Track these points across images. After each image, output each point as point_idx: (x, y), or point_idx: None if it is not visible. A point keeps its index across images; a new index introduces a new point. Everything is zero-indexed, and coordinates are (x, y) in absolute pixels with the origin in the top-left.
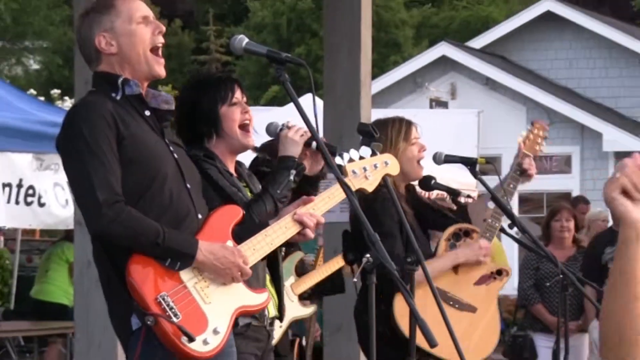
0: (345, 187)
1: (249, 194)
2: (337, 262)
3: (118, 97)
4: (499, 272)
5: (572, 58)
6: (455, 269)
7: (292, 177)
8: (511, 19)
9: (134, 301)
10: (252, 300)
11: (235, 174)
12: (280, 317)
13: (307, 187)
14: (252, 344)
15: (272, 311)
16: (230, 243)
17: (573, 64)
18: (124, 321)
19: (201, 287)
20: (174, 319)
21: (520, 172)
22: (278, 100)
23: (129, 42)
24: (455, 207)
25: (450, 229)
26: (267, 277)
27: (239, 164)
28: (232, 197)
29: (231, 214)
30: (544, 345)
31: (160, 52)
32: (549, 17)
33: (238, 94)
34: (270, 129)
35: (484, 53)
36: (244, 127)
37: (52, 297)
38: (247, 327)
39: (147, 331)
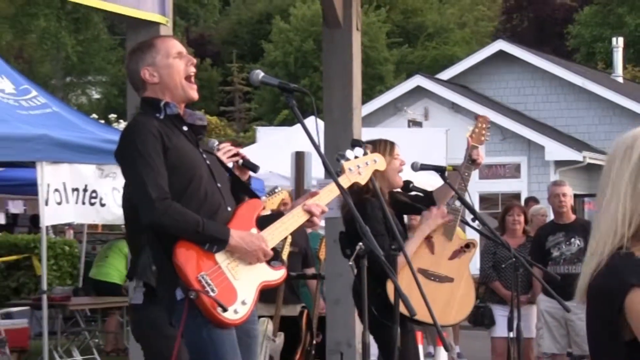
0: (341, 189)
1: None
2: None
3: (161, 117)
4: (467, 246)
5: (520, 87)
6: (432, 249)
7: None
8: (471, 56)
9: (179, 279)
10: (272, 276)
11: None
12: None
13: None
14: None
15: None
16: (254, 230)
17: (521, 92)
18: (169, 294)
19: (232, 267)
20: (211, 294)
21: (472, 161)
22: (288, 122)
23: (167, 73)
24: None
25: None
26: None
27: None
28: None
29: (255, 207)
30: (500, 314)
31: (192, 79)
32: (501, 55)
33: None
34: (208, 145)
35: (450, 83)
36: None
37: (109, 278)
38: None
39: (190, 303)
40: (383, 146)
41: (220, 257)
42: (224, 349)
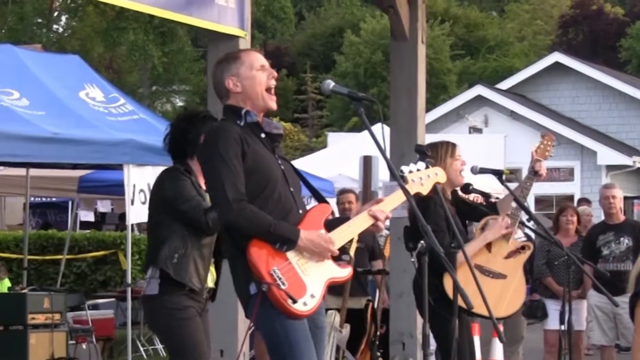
0: (406, 192)
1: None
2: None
3: (242, 124)
4: (523, 248)
5: (574, 96)
6: (489, 247)
7: None
8: (529, 67)
9: (252, 273)
10: (339, 273)
11: (204, 187)
12: (214, 292)
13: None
14: (194, 302)
15: (210, 284)
16: (322, 231)
17: (575, 100)
18: (244, 288)
19: (301, 263)
20: (282, 286)
21: (534, 173)
22: (357, 128)
23: (250, 84)
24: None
25: (483, 220)
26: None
27: None
28: (196, 200)
29: (324, 211)
30: (553, 308)
31: (272, 91)
32: (557, 66)
33: None
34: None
35: (509, 92)
36: None
37: None
38: (192, 292)
39: (263, 296)
40: (445, 148)
41: (290, 254)
42: (296, 337)
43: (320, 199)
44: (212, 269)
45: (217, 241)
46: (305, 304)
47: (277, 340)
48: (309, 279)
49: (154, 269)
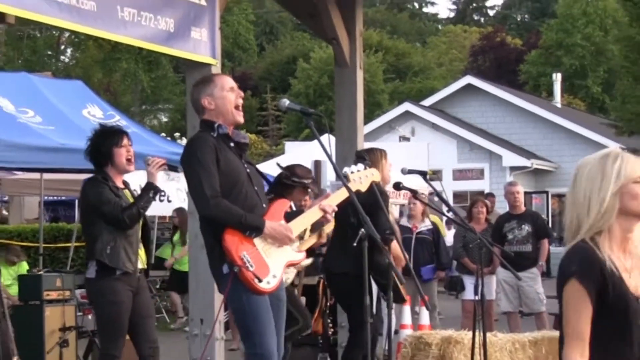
0: (348, 189)
1: (130, 199)
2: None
3: (215, 135)
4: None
5: (483, 110)
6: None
7: (151, 195)
8: (446, 88)
9: (226, 257)
10: (295, 257)
11: (122, 187)
12: (147, 270)
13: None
14: (127, 284)
15: (141, 265)
16: (282, 222)
17: (484, 114)
18: (218, 268)
19: (266, 249)
20: (250, 268)
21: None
22: (309, 138)
23: (222, 103)
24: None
25: None
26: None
27: (124, 182)
28: (114, 202)
29: (283, 205)
30: (469, 282)
31: (240, 108)
32: (469, 87)
33: (125, 140)
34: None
35: (431, 108)
36: (128, 161)
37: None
38: (123, 274)
39: (234, 276)
40: (380, 153)
41: (257, 241)
42: (259, 310)
43: (278, 195)
44: (142, 253)
45: (143, 230)
46: (269, 283)
47: (243, 313)
48: (271, 261)
49: (91, 260)
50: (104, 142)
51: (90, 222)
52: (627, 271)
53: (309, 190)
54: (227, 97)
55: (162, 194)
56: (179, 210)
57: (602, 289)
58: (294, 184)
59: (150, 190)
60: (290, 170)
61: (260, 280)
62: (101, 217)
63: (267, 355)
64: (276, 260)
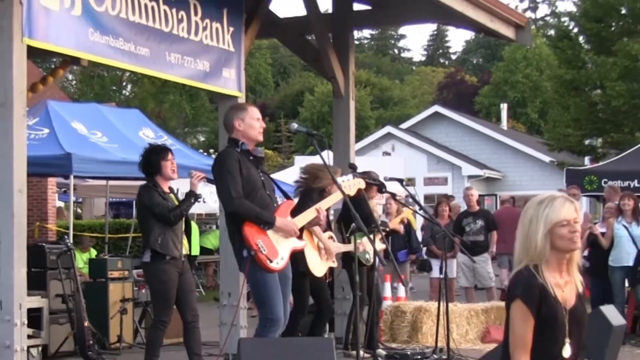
0: (343, 193)
1: (175, 202)
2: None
3: (239, 150)
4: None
5: (447, 132)
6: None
7: (192, 201)
8: (419, 114)
9: (244, 243)
10: (298, 244)
11: (168, 191)
12: (189, 256)
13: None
14: (173, 268)
15: (184, 252)
16: (289, 218)
17: (448, 135)
18: (240, 252)
19: (275, 238)
20: (263, 252)
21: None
22: (313, 153)
23: (249, 128)
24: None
25: None
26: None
27: (170, 188)
28: (162, 204)
29: (290, 205)
30: (435, 264)
31: (261, 131)
32: (437, 114)
33: (170, 155)
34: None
35: (408, 130)
36: (173, 171)
37: (207, 245)
38: (171, 259)
39: (251, 258)
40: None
41: (269, 232)
42: (270, 285)
43: (288, 197)
44: (185, 242)
45: (185, 225)
46: (277, 263)
47: (258, 286)
48: (280, 247)
49: (147, 248)
50: (153, 157)
51: (144, 219)
52: (561, 287)
53: (381, 188)
54: (254, 124)
55: (199, 196)
56: None
57: (539, 307)
58: (370, 184)
59: (192, 197)
60: (367, 174)
61: (271, 261)
62: (153, 215)
63: (276, 319)
64: (284, 246)
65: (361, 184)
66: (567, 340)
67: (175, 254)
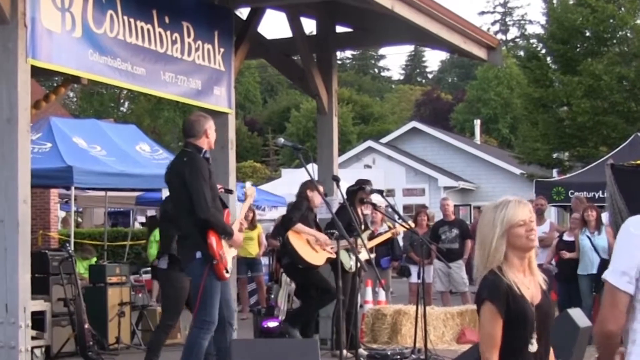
0: (327, 203)
1: None
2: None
3: (202, 156)
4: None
5: (424, 146)
6: None
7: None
8: (398, 130)
9: (207, 250)
10: (234, 253)
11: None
12: None
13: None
14: (186, 276)
15: None
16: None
17: (425, 149)
18: (192, 252)
19: (226, 248)
20: (222, 262)
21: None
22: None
23: (213, 137)
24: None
25: None
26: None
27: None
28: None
29: (228, 214)
30: (414, 270)
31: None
32: (414, 129)
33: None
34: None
35: (387, 144)
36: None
37: None
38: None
39: (211, 266)
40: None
41: (223, 242)
42: (215, 291)
43: (225, 206)
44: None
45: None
46: (227, 272)
47: (208, 292)
48: (228, 257)
49: (164, 254)
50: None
51: (169, 227)
52: (526, 285)
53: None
54: (212, 135)
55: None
56: None
57: (507, 306)
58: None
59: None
60: (366, 182)
61: (226, 271)
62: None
63: (213, 322)
64: (229, 256)
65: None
66: (534, 336)
67: None
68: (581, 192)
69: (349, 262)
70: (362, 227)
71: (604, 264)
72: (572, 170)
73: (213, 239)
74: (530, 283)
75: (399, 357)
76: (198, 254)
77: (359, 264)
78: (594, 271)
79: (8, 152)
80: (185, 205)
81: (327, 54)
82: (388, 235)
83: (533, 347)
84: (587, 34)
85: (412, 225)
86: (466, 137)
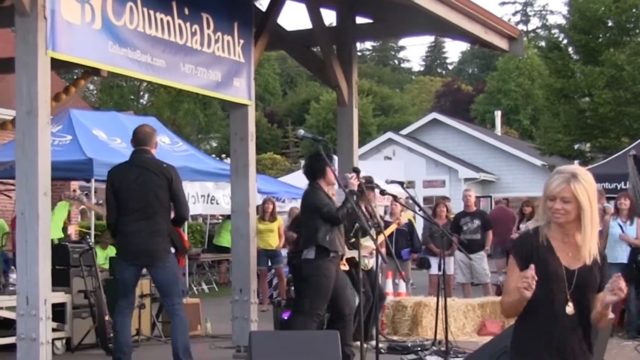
0: (348, 195)
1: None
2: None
3: None
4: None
5: (444, 138)
6: None
7: (353, 200)
8: (418, 121)
9: (179, 244)
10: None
11: (333, 194)
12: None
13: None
14: (333, 264)
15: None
16: None
17: (445, 141)
18: (168, 246)
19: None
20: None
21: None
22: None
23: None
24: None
25: None
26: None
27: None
28: (330, 204)
29: None
30: (434, 262)
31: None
32: (435, 121)
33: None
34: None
35: (407, 136)
36: (334, 178)
37: (222, 243)
38: (334, 257)
39: (178, 256)
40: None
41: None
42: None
43: None
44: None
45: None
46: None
47: (177, 278)
48: None
49: (311, 244)
50: (313, 164)
51: (311, 217)
52: (566, 252)
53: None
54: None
55: (212, 198)
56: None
57: (530, 260)
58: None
59: (353, 195)
60: (367, 179)
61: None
62: (321, 215)
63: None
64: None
65: (355, 185)
66: (569, 297)
67: (340, 250)
68: (603, 184)
69: (363, 261)
70: (373, 221)
71: (634, 254)
72: (593, 161)
73: (182, 234)
74: (572, 250)
75: (419, 348)
76: (172, 248)
77: (379, 258)
78: (624, 260)
79: (28, 144)
80: None
81: (347, 45)
82: (393, 227)
83: (569, 309)
84: (610, 23)
85: (431, 216)
86: (487, 128)
